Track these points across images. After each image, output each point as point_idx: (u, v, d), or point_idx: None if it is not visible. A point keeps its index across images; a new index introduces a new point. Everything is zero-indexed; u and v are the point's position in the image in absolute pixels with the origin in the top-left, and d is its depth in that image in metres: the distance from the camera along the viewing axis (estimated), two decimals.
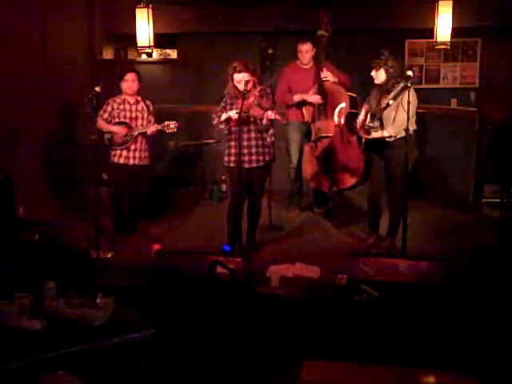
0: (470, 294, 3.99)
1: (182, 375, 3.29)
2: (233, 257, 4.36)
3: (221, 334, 3.62)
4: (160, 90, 6.84)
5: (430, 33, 6.55)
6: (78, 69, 6.91)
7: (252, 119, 4.85)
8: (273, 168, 5.21)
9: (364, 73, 5.19)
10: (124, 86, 5.44)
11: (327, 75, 5.75)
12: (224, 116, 4.83)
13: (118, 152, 5.43)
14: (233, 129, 4.85)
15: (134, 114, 5.47)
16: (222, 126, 4.90)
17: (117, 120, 5.43)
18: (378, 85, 5.00)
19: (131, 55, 7.95)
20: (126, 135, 5.38)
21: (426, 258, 4.26)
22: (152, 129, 5.37)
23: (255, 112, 4.80)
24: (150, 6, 6.60)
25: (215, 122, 4.91)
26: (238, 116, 4.61)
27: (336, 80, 5.79)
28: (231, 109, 4.86)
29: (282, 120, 4.98)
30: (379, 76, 4.93)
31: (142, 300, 3.77)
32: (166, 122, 5.32)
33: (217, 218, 5.64)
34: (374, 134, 4.93)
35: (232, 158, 4.90)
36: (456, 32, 6.50)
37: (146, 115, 5.50)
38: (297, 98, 5.90)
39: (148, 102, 5.55)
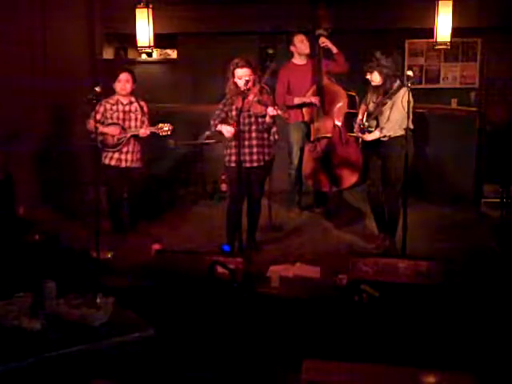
0: (470, 294, 3.99)
1: (182, 375, 3.29)
2: (233, 257, 4.36)
3: (221, 334, 3.62)
4: (160, 90, 6.86)
5: (430, 33, 6.55)
6: (77, 69, 6.92)
7: (253, 119, 4.85)
8: (273, 168, 5.21)
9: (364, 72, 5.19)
10: (117, 86, 5.37)
11: (325, 41, 5.77)
12: (219, 127, 4.87)
13: (110, 154, 5.37)
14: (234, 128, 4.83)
15: (127, 115, 5.39)
16: (207, 133, 4.92)
17: (109, 121, 5.36)
18: (374, 85, 5.01)
19: (131, 55, 7.97)
20: (119, 137, 5.34)
21: (425, 257, 4.26)
22: (144, 131, 5.32)
23: (256, 109, 4.79)
24: (150, 5, 6.61)
25: (212, 127, 4.94)
26: (238, 116, 4.62)
27: (335, 51, 5.80)
28: (231, 109, 4.86)
29: (285, 115, 4.98)
30: (374, 78, 4.94)
31: (142, 300, 3.78)
32: (160, 125, 5.26)
33: (217, 218, 5.64)
34: (369, 136, 4.94)
35: (233, 158, 4.88)
36: (456, 32, 6.50)
37: (139, 116, 5.42)
38: (297, 101, 5.90)
39: (142, 103, 5.47)
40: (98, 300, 3.14)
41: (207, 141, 6.72)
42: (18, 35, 5.89)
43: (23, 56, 5.97)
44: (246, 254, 4.70)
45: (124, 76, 5.36)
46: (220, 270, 4.03)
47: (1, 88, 5.55)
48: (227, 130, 4.81)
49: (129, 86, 5.38)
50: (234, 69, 4.78)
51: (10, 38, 5.73)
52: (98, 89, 4.70)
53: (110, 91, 5.48)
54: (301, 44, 5.98)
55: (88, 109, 4.85)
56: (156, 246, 4.93)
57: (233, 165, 4.87)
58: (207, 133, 4.98)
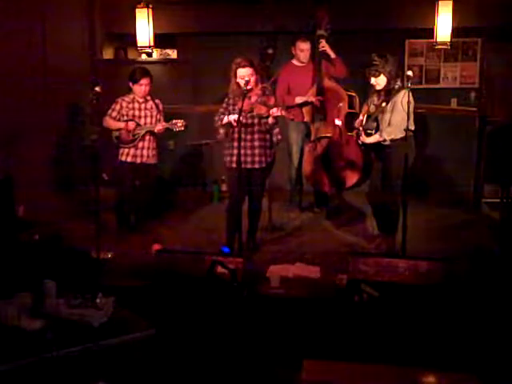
0: (470, 294, 3.99)
1: (182, 375, 3.29)
2: (233, 257, 4.36)
3: (221, 334, 3.62)
4: (160, 90, 6.84)
5: (430, 33, 6.55)
6: (77, 69, 6.92)
7: (256, 120, 4.83)
8: (273, 168, 5.21)
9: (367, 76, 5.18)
10: (137, 89, 5.42)
11: (324, 46, 5.77)
12: (225, 119, 4.82)
13: (126, 150, 5.44)
14: (235, 129, 4.78)
15: (142, 113, 5.46)
16: (221, 131, 4.88)
17: (125, 118, 5.43)
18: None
19: (131, 55, 7.96)
20: (134, 133, 5.38)
21: (426, 257, 4.25)
22: (159, 127, 5.37)
23: (259, 111, 4.76)
24: (150, 6, 6.61)
25: (217, 124, 4.89)
26: (238, 117, 4.59)
27: (333, 56, 5.80)
28: (234, 109, 4.82)
29: (289, 116, 4.95)
30: (380, 81, 4.88)
31: (142, 300, 3.77)
32: (174, 121, 5.32)
33: (217, 218, 5.64)
34: (369, 139, 4.92)
35: (234, 159, 4.83)
36: (456, 32, 6.50)
37: (155, 113, 5.49)
38: (298, 100, 5.90)
39: (157, 101, 5.55)
40: (98, 300, 3.14)
41: (207, 141, 6.73)
42: (18, 35, 5.89)
43: (23, 56, 5.96)
44: (245, 254, 4.70)
45: (145, 81, 5.43)
46: (220, 269, 4.04)
47: (0, 88, 5.55)
48: (233, 118, 4.72)
49: (148, 90, 5.47)
50: (237, 68, 4.76)
51: (9, 38, 5.73)
52: (98, 89, 4.72)
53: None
54: (301, 53, 5.98)
55: (88, 109, 4.86)
56: (156, 246, 4.93)
57: (234, 165, 4.83)
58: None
